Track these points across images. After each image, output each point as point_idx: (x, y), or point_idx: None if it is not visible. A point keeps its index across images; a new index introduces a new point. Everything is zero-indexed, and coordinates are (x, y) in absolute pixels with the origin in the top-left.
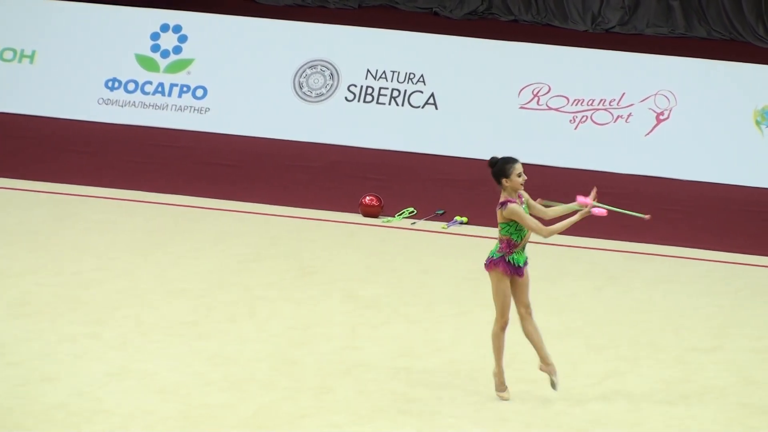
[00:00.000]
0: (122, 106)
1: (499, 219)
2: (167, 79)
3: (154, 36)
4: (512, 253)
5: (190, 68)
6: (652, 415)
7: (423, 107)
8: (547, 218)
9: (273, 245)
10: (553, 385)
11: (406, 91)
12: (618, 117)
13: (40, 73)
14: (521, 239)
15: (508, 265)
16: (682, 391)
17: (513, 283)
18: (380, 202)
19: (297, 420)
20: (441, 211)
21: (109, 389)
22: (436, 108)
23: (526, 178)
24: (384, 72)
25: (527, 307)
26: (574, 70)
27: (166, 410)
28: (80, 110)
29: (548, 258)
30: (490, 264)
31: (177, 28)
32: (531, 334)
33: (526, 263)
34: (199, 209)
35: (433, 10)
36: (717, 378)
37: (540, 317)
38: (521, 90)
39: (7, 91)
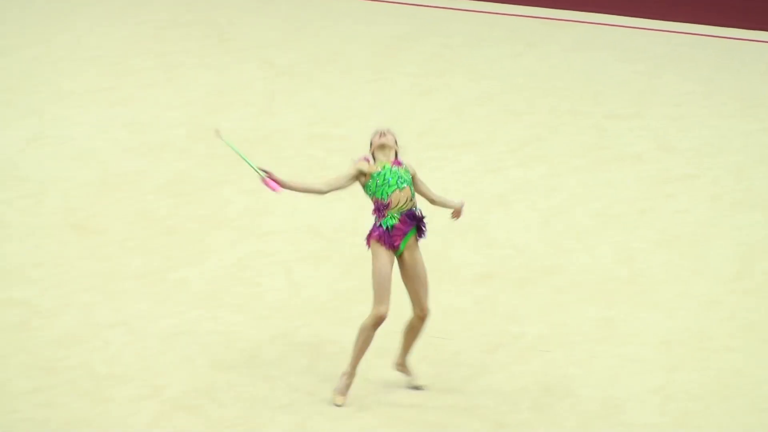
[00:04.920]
0: None
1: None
2: None
3: None
4: (385, 216)
5: None
6: (570, 181)
7: None
8: (431, 199)
9: (189, 11)
10: (414, 385)
11: None
12: None
13: None
14: (387, 197)
15: (382, 232)
16: (601, 157)
17: (402, 266)
18: None
19: (213, 186)
20: None
21: (25, 155)
22: None
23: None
24: None
25: (423, 310)
26: None
27: (84, 176)
28: None
29: (465, 24)
30: (367, 237)
31: None
32: (408, 333)
33: (414, 237)
34: None
35: None
36: (635, 144)
37: (458, 84)
38: None
39: None
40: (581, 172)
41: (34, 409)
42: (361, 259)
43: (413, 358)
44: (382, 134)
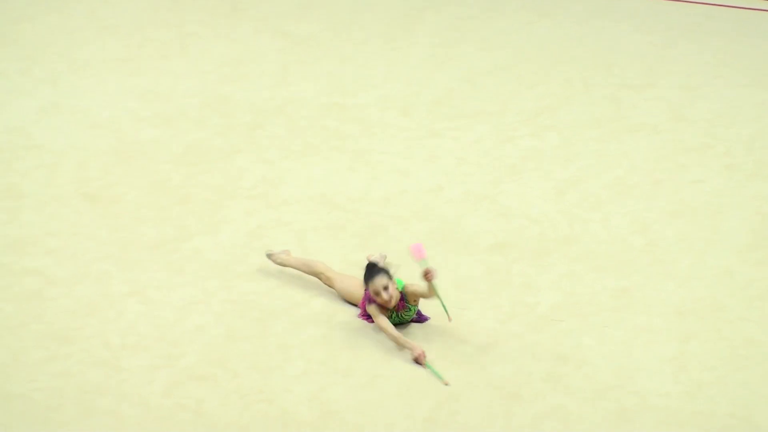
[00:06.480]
0: None
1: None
2: None
3: None
4: None
5: None
6: (584, 151)
7: None
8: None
9: None
10: None
11: None
12: None
13: None
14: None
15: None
16: (615, 128)
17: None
18: None
19: (229, 156)
20: None
21: (41, 125)
22: None
23: (388, 294)
24: None
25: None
26: None
27: (99, 146)
28: None
29: None
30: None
31: None
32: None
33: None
34: None
35: None
36: (648, 115)
37: (470, 54)
38: None
39: None
40: (595, 142)
41: (49, 378)
42: (377, 229)
43: (429, 334)
44: (383, 291)
